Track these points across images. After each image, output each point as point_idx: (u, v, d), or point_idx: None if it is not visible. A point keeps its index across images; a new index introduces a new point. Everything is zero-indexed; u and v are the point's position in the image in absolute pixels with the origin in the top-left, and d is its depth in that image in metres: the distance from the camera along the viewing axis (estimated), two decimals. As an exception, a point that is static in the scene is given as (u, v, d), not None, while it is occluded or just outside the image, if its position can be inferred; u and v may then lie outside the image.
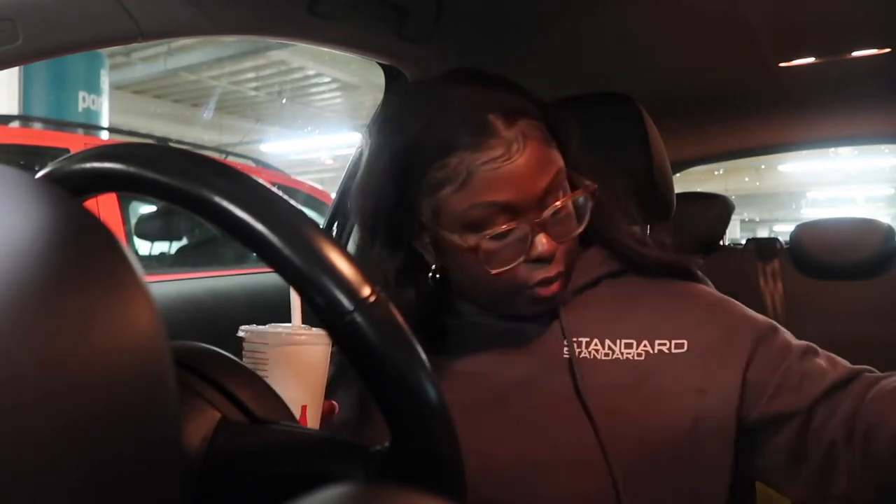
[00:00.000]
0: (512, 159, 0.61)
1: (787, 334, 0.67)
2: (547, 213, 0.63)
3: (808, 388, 0.60)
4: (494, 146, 0.62)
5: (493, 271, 0.63)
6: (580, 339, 0.67)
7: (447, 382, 0.65)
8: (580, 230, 0.66)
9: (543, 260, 0.64)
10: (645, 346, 0.65)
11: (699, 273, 0.75)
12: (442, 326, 0.72)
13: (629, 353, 0.65)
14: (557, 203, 0.64)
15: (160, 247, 3.23)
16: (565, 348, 0.66)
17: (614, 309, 0.69)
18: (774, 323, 0.68)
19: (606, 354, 0.66)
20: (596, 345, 0.66)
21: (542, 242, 0.63)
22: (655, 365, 0.64)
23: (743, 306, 0.70)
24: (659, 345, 0.65)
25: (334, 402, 0.65)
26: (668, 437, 0.62)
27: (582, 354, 0.66)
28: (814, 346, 0.66)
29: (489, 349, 0.70)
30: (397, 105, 0.74)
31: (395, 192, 0.67)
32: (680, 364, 0.64)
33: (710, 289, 0.74)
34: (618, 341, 0.66)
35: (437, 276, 0.70)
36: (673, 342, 0.65)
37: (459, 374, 0.69)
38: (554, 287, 0.65)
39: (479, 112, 0.63)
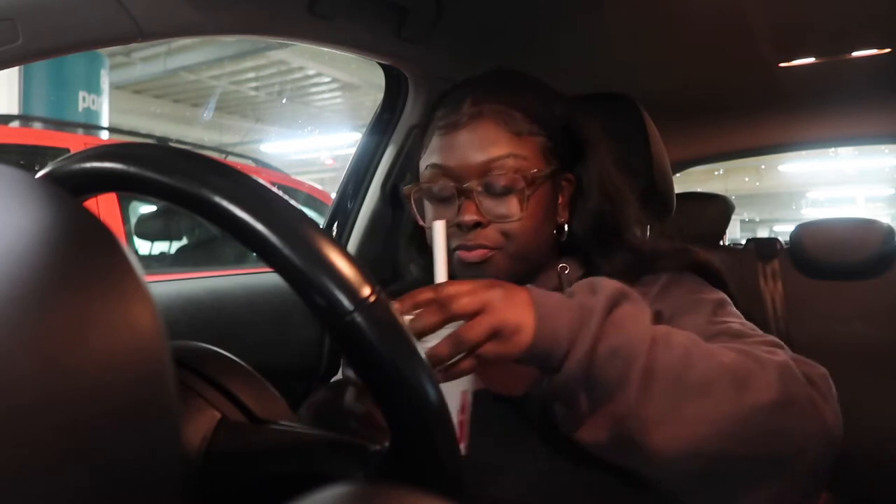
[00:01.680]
0: (457, 129, 0.71)
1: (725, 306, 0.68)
2: (474, 183, 0.69)
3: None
4: (450, 116, 0.71)
5: (422, 223, 0.74)
6: None
7: None
8: (517, 218, 0.69)
9: (465, 226, 0.69)
10: None
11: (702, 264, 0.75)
12: None
13: None
14: (489, 177, 0.68)
15: (160, 247, 3.23)
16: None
17: None
18: (724, 297, 0.70)
19: None
20: None
21: (464, 211, 0.69)
22: None
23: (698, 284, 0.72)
24: None
25: None
26: None
27: None
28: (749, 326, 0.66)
29: None
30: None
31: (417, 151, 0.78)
32: None
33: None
34: None
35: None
36: None
37: None
38: (474, 254, 0.69)
39: (463, 91, 0.73)
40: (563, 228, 0.75)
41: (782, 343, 0.62)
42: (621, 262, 0.73)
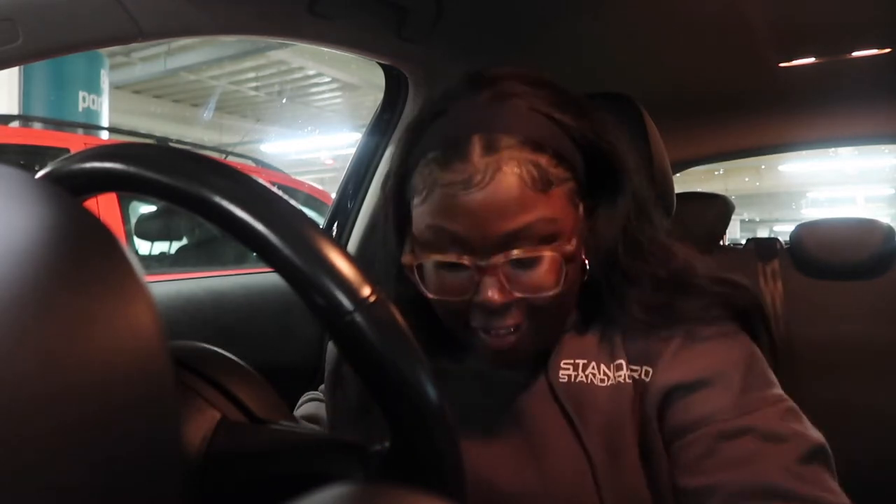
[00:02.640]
0: (471, 191, 0.55)
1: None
2: (497, 258, 0.55)
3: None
4: (460, 170, 0.55)
5: (429, 294, 0.59)
6: (577, 360, 0.62)
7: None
8: (553, 291, 0.56)
9: (491, 310, 0.57)
10: (630, 368, 0.61)
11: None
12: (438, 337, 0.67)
13: (619, 376, 0.60)
14: (515, 252, 0.55)
15: (160, 247, 3.23)
16: (560, 373, 0.62)
17: (604, 338, 0.63)
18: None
19: (602, 380, 0.61)
20: (593, 368, 0.61)
21: (487, 289, 0.55)
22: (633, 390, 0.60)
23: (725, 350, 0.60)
24: (631, 372, 0.61)
25: None
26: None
27: (578, 378, 0.61)
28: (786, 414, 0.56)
29: (478, 372, 0.66)
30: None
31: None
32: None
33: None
34: (611, 364, 0.61)
35: None
36: (643, 368, 0.60)
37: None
38: (506, 341, 0.58)
39: (466, 126, 0.57)
40: (586, 266, 0.62)
41: (821, 445, 0.54)
42: (642, 307, 0.60)
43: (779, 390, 0.58)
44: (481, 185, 0.54)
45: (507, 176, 0.55)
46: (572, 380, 0.61)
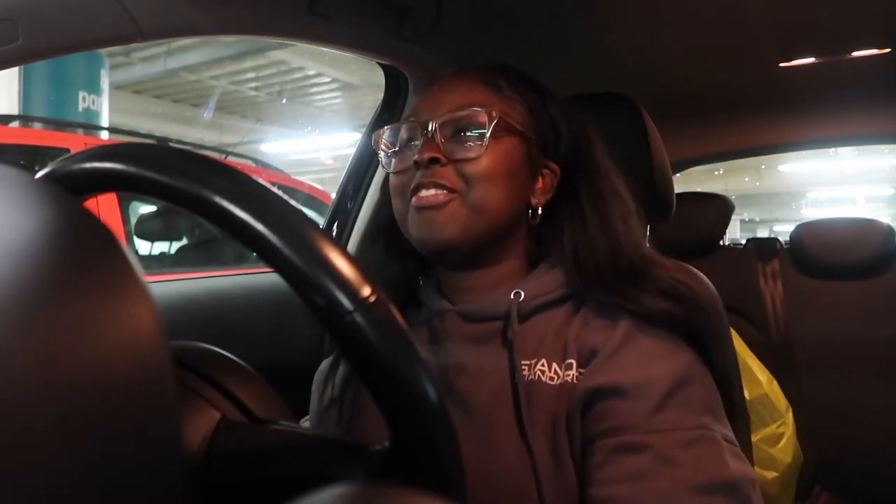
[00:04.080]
0: (434, 84, 0.71)
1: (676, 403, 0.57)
2: (437, 122, 0.66)
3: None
4: (429, 83, 0.72)
5: (389, 170, 0.70)
6: (530, 360, 0.63)
7: None
8: (476, 155, 0.65)
9: (422, 164, 0.65)
10: (578, 370, 0.61)
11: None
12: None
13: (568, 375, 0.61)
14: (452, 114, 0.66)
15: (160, 247, 3.23)
16: (520, 368, 0.63)
17: (566, 327, 0.64)
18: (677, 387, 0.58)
19: (551, 378, 0.61)
20: (543, 364, 0.62)
21: (424, 149, 0.66)
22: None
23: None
24: (578, 374, 0.61)
25: None
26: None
27: (529, 377, 0.62)
28: (703, 434, 0.55)
29: (441, 359, 0.68)
30: None
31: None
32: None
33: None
34: (563, 363, 0.62)
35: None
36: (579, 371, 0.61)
37: None
38: (429, 194, 0.65)
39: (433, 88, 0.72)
40: (537, 212, 0.70)
41: (731, 481, 0.53)
42: (604, 290, 0.63)
43: (707, 419, 0.56)
44: (445, 81, 0.71)
45: (467, 76, 0.70)
46: (525, 377, 0.62)
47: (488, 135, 0.65)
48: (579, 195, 0.69)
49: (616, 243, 0.66)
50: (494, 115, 0.66)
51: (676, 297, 0.62)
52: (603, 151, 0.72)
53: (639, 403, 0.56)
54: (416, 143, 0.68)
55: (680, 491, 0.51)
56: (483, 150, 0.65)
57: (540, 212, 0.70)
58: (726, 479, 0.52)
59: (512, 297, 0.66)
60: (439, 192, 0.65)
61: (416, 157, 0.66)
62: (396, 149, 0.71)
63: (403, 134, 0.70)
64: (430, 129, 0.66)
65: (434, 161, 0.65)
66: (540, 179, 0.70)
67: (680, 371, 0.58)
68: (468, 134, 0.66)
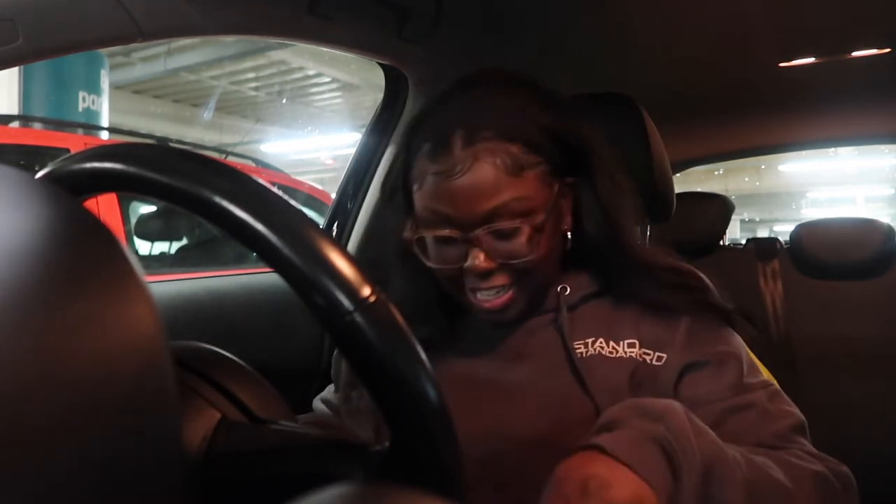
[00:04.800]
0: (453, 178, 0.66)
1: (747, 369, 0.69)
2: (480, 231, 0.67)
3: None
4: (443, 161, 0.67)
5: (429, 263, 0.71)
6: (585, 339, 0.71)
7: (449, 380, 0.65)
8: (530, 257, 0.67)
9: (478, 274, 0.68)
10: (643, 350, 0.70)
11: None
12: (451, 319, 0.77)
13: (632, 353, 0.70)
14: (493, 226, 0.66)
15: (160, 247, 3.23)
16: (574, 349, 0.70)
17: (615, 314, 0.73)
18: (744, 355, 0.70)
19: (611, 352, 0.70)
20: (601, 343, 0.71)
21: (474, 257, 0.67)
22: (645, 372, 0.69)
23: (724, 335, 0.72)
24: (643, 354, 0.70)
25: None
26: None
27: (588, 353, 0.70)
28: (772, 392, 0.68)
29: (492, 347, 0.74)
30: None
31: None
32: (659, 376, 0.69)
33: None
34: (621, 342, 0.70)
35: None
36: (656, 354, 0.70)
37: (461, 373, 0.73)
38: (497, 301, 0.69)
39: (449, 124, 0.68)
40: (568, 236, 0.74)
41: (803, 421, 0.66)
42: (635, 284, 0.72)
43: (764, 376, 0.70)
44: (462, 173, 0.66)
45: (483, 164, 0.66)
46: (583, 355, 0.70)
47: (536, 235, 0.68)
48: (593, 199, 0.73)
49: (631, 242, 0.73)
50: (537, 221, 0.68)
51: (685, 288, 0.72)
52: (607, 151, 0.75)
53: (728, 371, 0.67)
54: (458, 244, 0.68)
55: (784, 432, 0.64)
56: (531, 250, 0.68)
57: (569, 236, 0.75)
58: (799, 418, 0.66)
59: (559, 290, 0.74)
60: (500, 293, 0.69)
61: (469, 265, 0.68)
62: (434, 243, 0.71)
63: (440, 235, 0.69)
64: (473, 238, 0.67)
65: (489, 270, 0.68)
66: (563, 203, 0.73)
67: (740, 342, 0.72)
68: (513, 240, 0.68)
